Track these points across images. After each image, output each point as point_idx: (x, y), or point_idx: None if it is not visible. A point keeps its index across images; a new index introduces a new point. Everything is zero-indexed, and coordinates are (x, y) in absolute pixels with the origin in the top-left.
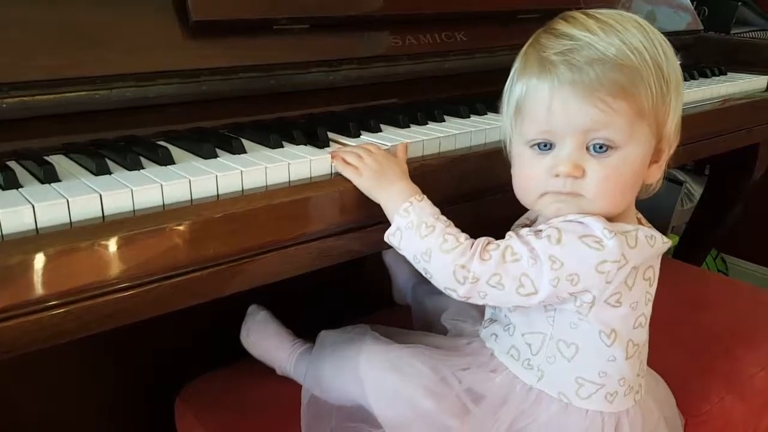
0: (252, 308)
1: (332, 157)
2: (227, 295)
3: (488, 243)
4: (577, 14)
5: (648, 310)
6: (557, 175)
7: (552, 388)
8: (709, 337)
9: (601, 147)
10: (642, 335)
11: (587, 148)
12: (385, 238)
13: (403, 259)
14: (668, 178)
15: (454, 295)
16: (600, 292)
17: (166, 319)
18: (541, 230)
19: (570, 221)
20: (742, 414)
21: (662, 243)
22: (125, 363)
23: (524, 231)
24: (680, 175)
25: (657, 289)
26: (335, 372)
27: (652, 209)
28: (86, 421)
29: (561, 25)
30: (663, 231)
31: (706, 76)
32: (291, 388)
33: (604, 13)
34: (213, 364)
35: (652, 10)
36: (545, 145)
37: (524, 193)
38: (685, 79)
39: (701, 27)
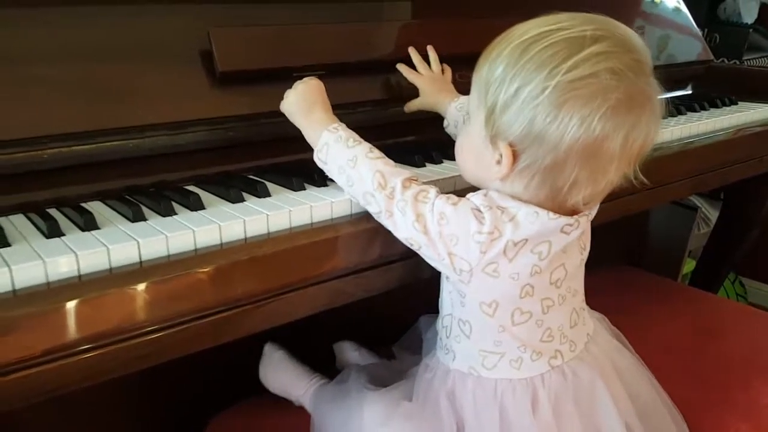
0: (268, 348)
1: None
2: (253, 333)
3: (413, 178)
4: None
5: (537, 281)
6: None
7: (464, 365)
8: (726, 366)
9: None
10: (533, 304)
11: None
12: (314, 157)
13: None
14: (682, 204)
15: (372, 205)
16: (476, 261)
17: (193, 354)
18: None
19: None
20: None
21: (549, 219)
22: (152, 397)
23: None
24: (695, 200)
25: (673, 317)
26: (341, 427)
27: (668, 235)
28: None
29: None
30: (679, 257)
31: (716, 107)
32: None
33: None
34: (241, 395)
35: (662, 41)
36: None
37: None
38: (695, 110)
39: (711, 57)
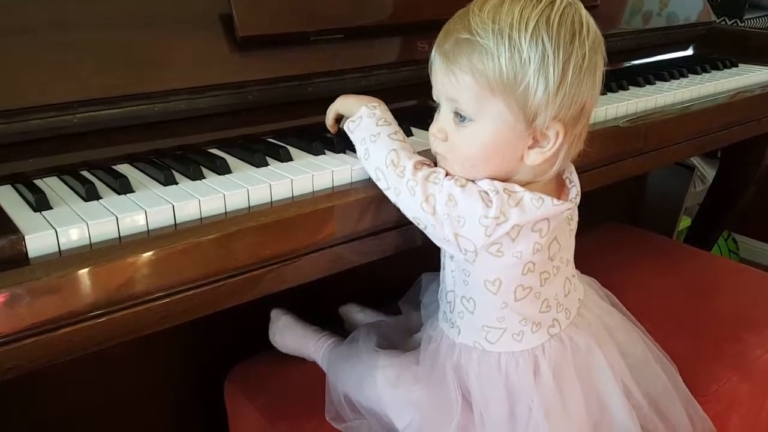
0: (274, 313)
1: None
2: (279, 290)
3: (425, 161)
4: None
5: (538, 258)
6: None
7: (468, 339)
8: (718, 321)
9: (461, 118)
10: (533, 279)
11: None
12: (344, 125)
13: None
14: (679, 163)
15: (381, 181)
16: (481, 242)
17: None
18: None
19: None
20: (748, 393)
21: (553, 205)
22: (175, 345)
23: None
24: (692, 159)
25: (667, 274)
26: (356, 388)
27: (665, 193)
28: (138, 401)
29: None
30: (675, 214)
31: (717, 69)
32: None
33: None
34: (258, 346)
35: (664, 2)
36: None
37: None
38: (696, 73)
39: (713, 18)
